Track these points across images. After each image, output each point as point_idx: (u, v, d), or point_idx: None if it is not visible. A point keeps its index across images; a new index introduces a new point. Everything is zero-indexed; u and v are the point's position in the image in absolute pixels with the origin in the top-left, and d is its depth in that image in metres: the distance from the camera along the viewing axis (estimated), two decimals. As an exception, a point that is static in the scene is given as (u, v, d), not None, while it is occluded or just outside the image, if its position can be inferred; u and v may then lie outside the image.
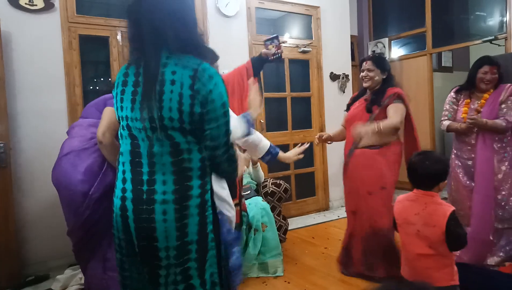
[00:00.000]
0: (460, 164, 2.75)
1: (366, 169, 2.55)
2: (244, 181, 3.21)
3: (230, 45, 3.78)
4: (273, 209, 3.18)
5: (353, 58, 5.19)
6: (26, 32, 2.87)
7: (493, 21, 4.26)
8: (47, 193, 2.88)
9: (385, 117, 2.49)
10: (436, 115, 4.90)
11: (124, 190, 1.24)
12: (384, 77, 2.62)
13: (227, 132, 1.23)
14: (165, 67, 1.17)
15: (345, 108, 2.87)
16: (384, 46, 5.38)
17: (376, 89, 2.62)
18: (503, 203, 2.54)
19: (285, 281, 2.65)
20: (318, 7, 4.43)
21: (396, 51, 5.43)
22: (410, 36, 5.19)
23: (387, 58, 5.20)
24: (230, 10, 3.78)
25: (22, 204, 2.85)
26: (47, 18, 2.94)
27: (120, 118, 1.27)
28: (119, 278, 1.34)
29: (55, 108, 2.97)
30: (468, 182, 2.69)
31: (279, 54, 2.32)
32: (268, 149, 1.97)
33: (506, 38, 4.08)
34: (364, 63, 2.67)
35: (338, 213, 4.38)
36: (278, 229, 3.14)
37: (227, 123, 1.22)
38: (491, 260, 2.56)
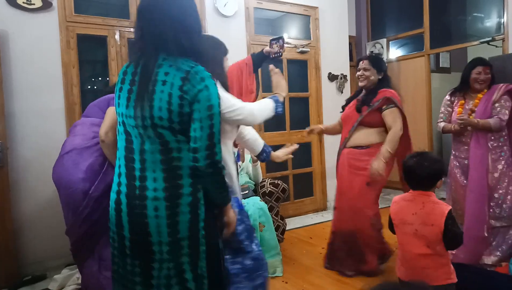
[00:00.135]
0: (458, 164, 2.79)
1: (351, 168, 2.63)
2: (243, 181, 3.21)
3: (229, 45, 3.68)
4: (271, 209, 3.18)
5: (351, 59, 5.20)
6: (24, 31, 2.86)
7: (491, 22, 4.27)
8: (45, 193, 2.88)
9: (374, 119, 2.58)
10: (433, 116, 4.91)
11: (119, 184, 1.29)
12: (380, 77, 2.67)
13: (211, 136, 1.20)
14: (160, 68, 1.21)
15: (341, 110, 2.92)
16: (382, 47, 5.39)
17: (369, 89, 2.66)
18: (500, 202, 2.58)
19: (283, 281, 2.65)
20: (317, 7, 4.43)
21: (394, 52, 5.44)
22: (408, 37, 5.21)
23: (385, 59, 5.23)
24: (228, 10, 3.78)
25: (20, 203, 2.84)
26: (45, 17, 2.93)
27: (118, 114, 1.31)
28: (112, 273, 1.37)
29: (52, 108, 2.96)
30: (465, 182, 2.72)
31: (281, 54, 2.35)
32: (263, 147, 1.99)
33: (503, 39, 4.10)
34: (361, 62, 2.71)
35: (336, 213, 4.38)
36: (276, 229, 3.14)
37: (211, 126, 1.20)
38: (488, 260, 2.57)
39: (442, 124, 2.88)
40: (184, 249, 1.23)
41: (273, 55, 2.36)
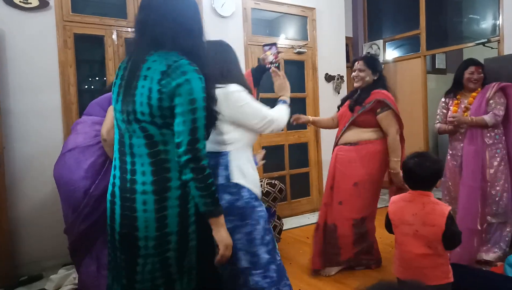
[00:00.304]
0: (455, 163, 2.85)
1: (338, 163, 2.69)
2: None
3: (226, 45, 3.77)
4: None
5: (348, 60, 5.22)
6: (21, 30, 2.85)
7: (486, 24, 4.31)
8: (42, 192, 2.87)
9: (366, 120, 2.62)
10: (429, 117, 4.94)
11: (114, 177, 1.30)
12: (375, 78, 2.67)
13: (194, 131, 1.17)
14: (144, 63, 1.22)
15: (337, 110, 2.95)
16: (379, 48, 5.42)
17: (363, 90, 2.69)
18: (497, 199, 2.64)
19: (280, 281, 2.65)
20: (314, 8, 4.45)
21: (391, 53, 5.47)
22: (404, 38, 5.24)
23: (381, 60, 5.25)
24: (226, 10, 3.79)
25: (16, 203, 2.82)
26: (42, 16, 2.92)
27: (113, 109, 1.34)
28: (107, 263, 1.39)
29: (49, 107, 2.95)
30: None
31: (276, 62, 2.35)
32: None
33: (498, 41, 4.13)
34: (356, 63, 2.73)
35: (332, 213, 4.39)
36: (273, 229, 3.14)
37: (193, 121, 1.17)
38: (487, 256, 2.63)
39: (437, 125, 2.97)
40: (171, 244, 1.23)
41: (269, 65, 2.37)
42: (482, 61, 2.94)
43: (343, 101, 2.89)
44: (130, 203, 1.23)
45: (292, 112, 4.78)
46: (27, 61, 2.87)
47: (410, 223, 1.76)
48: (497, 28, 4.14)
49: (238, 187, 1.56)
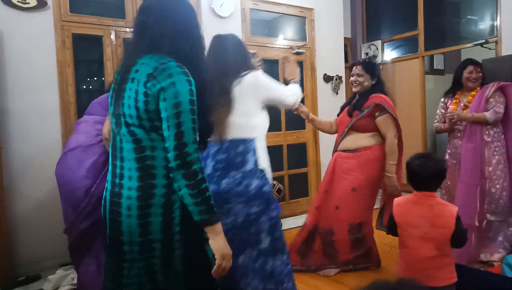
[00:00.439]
0: (455, 161, 2.86)
1: (337, 170, 2.68)
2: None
3: (225, 45, 3.77)
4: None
5: (346, 60, 5.23)
6: (19, 30, 2.84)
7: (484, 25, 4.32)
8: (40, 192, 2.86)
9: (365, 125, 2.62)
10: (428, 117, 4.95)
11: (107, 181, 1.31)
12: (374, 82, 2.68)
13: (180, 135, 1.13)
14: (134, 66, 1.22)
15: (337, 116, 2.96)
16: (377, 49, 5.43)
17: (362, 95, 2.70)
18: (496, 197, 2.65)
19: (278, 281, 2.66)
20: (312, 9, 4.45)
21: (389, 54, 5.48)
22: (402, 39, 5.24)
23: (379, 61, 5.26)
24: (224, 11, 3.79)
25: (14, 203, 2.81)
26: (40, 16, 2.92)
27: None
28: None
29: (48, 107, 2.94)
30: None
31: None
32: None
33: (496, 42, 4.14)
34: (355, 67, 2.73)
35: (331, 214, 4.39)
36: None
37: (178, 125, 1.13)
38: (492, 257, 2.63)
39: (435, 124, 3.00)
40: (156, 251, 1.20)
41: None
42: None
43: (342, 108, 2.91)
44: (116, 208, 1.21)
45: (291, 112, 4.78)
46: (25, 61, 2.86)
47: (417, 225, 1.72)
48: (495, 29, 4.15)
49: (264, 173, 1.69)
